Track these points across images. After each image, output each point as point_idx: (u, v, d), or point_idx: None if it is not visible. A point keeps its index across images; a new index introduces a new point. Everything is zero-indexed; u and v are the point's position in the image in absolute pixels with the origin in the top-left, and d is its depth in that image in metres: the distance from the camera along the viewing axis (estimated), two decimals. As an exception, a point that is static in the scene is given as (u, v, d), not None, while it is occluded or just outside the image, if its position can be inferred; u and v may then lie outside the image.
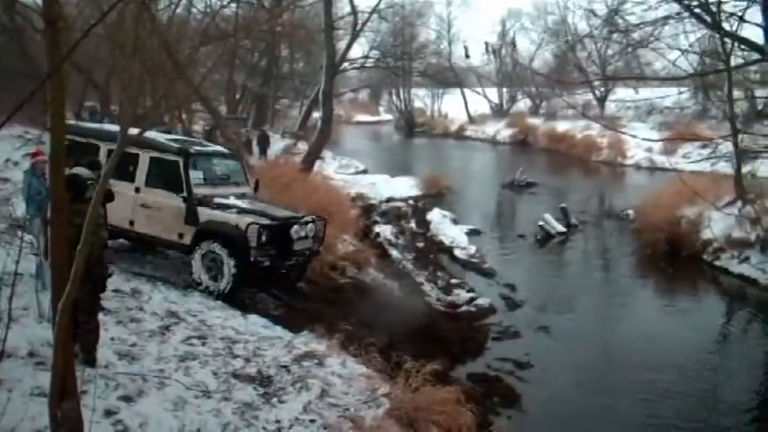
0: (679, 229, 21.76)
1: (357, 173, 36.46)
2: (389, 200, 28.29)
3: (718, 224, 20.83)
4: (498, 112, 69.01)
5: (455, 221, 24.86)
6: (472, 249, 21.01)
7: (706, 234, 20.98)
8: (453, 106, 71.93)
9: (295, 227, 12.79)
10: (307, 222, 13.13)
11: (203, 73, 19.34)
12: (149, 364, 8.31)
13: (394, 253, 19.59)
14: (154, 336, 9.31)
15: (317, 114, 34.60)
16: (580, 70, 53.56)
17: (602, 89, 57.32)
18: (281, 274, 13.29)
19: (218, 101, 40.92)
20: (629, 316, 16.44)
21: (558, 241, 23.79)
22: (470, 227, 24.08)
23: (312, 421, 7.78)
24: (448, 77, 61.64)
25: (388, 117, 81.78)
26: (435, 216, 25.09)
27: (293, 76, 49.50)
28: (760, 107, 24.47)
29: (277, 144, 35.87)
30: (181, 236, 12.71)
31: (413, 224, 24.31)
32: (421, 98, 76.73)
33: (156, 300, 11.00)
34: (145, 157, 13.07)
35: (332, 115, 28.18)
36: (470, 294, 16.48)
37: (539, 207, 27.56)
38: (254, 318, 11.37)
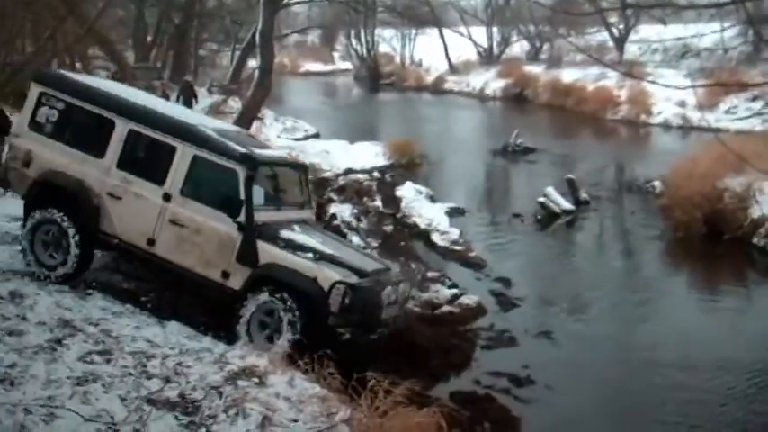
0: (721, 206, 21.88)
1: (306, 138, 36.46)
2: (348, 172, 28.32)
3: (773, 198, 20.99)
4: (487, 58, 69.16)
5: (433, 199, 24.88)
6: (455, 234, 21.03)
7: (756, 211, 21.12)
8: (429, 52, 71.96)
9: (388, 289, 11.91)
10: (399, 282, 12.40)
11: (101, 7, 19.10)
12: (35, 389, 8.15)
13: (354, 239, 19.56)
14: (41, 352, 9.14)
15: (253, 63, 34.41)
16: (592, 1, 53.73)
17: (621, 26, 57.60)
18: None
19: (124, 45, 40.55)
20: (657, 317, 16.57)
21: (564, 222, 23.95)
22: (452, 205, 24.12)
23: (251, 459, 7.75)
24: (422, 14, 61.63)
25: (346, 66, 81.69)
26: (407, 192, 25.09)
27: (222, 12, 49.21)
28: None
29: (203, 101, 35.68)
30: (226, 275, 11.59)
31: (378, 203, 24.31)
32: (388, 41, 76.70)
33: (43, 305, 10.82)
34: (185, 154, 11.92)
35: (272, 64, 27.99)
36: (453, 291, 16.45)
37: (539, 179, 27.71)
38: (174, 325, 11.27)
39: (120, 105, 12.42)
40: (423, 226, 21.78)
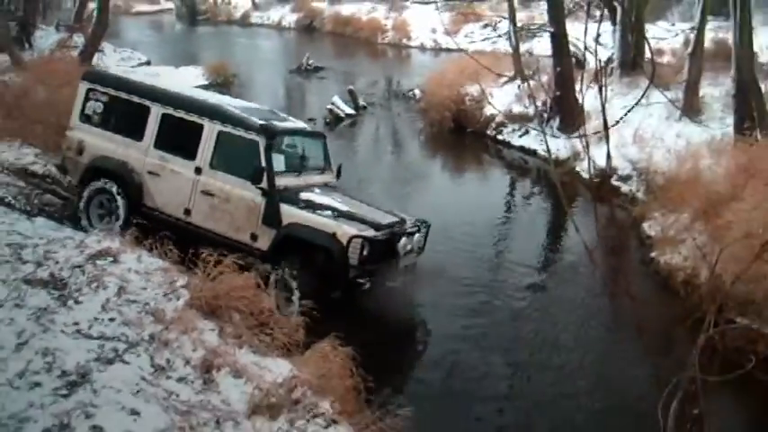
0: (464, 107, 22.91)
1: (140, 64, 34.86)
2: (176, 91, 27.45)
3: (499, 100, 22.02)
4: (283, -5, 67.57)
5: (245, 109, 24.59)
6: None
7: (488, 110, 22.15)
8: (237, -10, 69.68)
9: (403, 240, 10.69)
10: (413, 233, 11.11)
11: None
12: None
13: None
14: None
15: (93, 5, 32.60)
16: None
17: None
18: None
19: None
20: (419, 193, 17.21)
21: (347, 123, 24.24)
22: (260, 114, 23.89)
23: (112, 319, 7.70)
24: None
25: (170, 5, 78.19)
26: (224, 105, 24.72)
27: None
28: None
29: (50, 37, 33.62)
30: (254, 237, 10.60)
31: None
32: (203, -16, 73.78)
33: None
34: (211, 130, 10.92)
35: (108, 5, 26.70)
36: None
37: (327, 90, 27.78)
38: (41, 220, 10.90)
39: (153, 92, 11.57)
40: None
